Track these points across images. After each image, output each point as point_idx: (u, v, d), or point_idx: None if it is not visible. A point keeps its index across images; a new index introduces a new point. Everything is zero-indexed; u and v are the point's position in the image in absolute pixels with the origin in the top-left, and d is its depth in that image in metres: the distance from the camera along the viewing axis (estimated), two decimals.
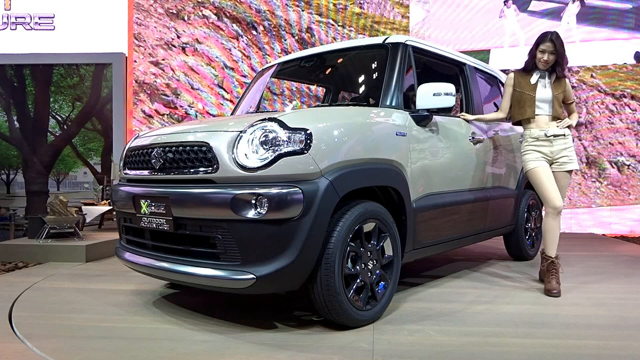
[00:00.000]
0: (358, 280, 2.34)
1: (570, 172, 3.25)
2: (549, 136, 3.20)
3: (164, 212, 2.31)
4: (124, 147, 2.91)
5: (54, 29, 7.32)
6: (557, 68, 3.21)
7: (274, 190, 2.05)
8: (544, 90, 3.23)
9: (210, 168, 2.19)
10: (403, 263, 2.66)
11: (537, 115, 3.24)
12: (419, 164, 2.76)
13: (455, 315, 2.56)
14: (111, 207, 5.17)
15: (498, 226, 3.73)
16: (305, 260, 2.11)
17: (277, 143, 2.10)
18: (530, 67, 3.26)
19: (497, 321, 2.46)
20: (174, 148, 2.35)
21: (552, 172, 3.24)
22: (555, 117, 3.24)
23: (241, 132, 2.16)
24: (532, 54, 3.24)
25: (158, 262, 2.40)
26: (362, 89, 3.51)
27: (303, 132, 2.14)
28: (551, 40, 3.15)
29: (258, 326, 2.37)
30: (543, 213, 4.35)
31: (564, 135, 3.21)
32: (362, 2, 6.93)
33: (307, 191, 2.09)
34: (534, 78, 3.25)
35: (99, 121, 9.15)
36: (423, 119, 2.81)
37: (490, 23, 6.81)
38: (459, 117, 3.35)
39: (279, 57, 6.30)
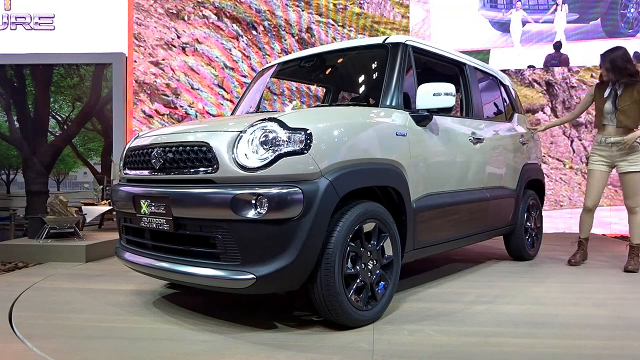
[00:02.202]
0: (358, 280, 2.34)
1: (632, 173, 3.69)
2: (607, 143, 3.75)
3: (164, 212, 2.31)
4: (124, 147, 2.92)
5: (54, 29, 7.31)
6: (623, 78, 3.63)
7: (274, 190, 2.05)
8: (609, 103, 3.71)
9: (210, 168, 2.19)
10: (403, 263, 2.67)
11: (604, 124, 3.78)
12: (419, 164, 2.76)
13: (455, 315, 2.56)
14: (111, 207, 5.17)
15: (498, 226, 3.73)
16: (305, 260, 2.11)
17: (277, 143, 2.10)
18: (604, 79, 3.74)
19: (497, 321, 2.46)
20: (174, 148, 2.35)
21: (619, 174, 3.79)
22: (626, 127, 3.65)
23: (241, 132, 2.16)
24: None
25: (158, 262, 2.40)
26: (362, 89, 3.51)
27: (303, 132, 2.14)
28: (601, 57, 3.71)
29: (258, 326, 2.37)
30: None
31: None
32: (362, 2, 6.93)
33: (307, 191, 2.09)
34: (607, 92, 3.74)
35: (99, 121, 9.15)
36: (423, 119, 2.81)
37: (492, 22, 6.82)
38: (533, 129, 4.05)
39: (279, 57, 6.29)
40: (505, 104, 4.19)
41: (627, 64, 3.63)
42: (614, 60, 3.64)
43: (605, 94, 3.73)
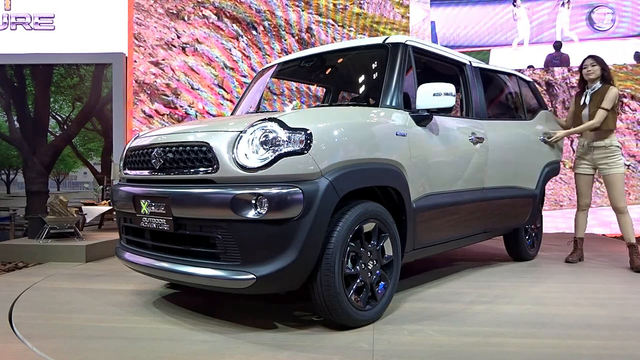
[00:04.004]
0: (358, 280, 2.34)
1: (612, 175, 3.82)
2: (589, 147, 3.92)
3: (164, 212, 2.31)
4: (124, 147, 2.91)
5: (54, 29, 7.31)
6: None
7: (274, 190, 2.05)
8: (586, 109, 3.91)
9: (210, 168, 2.19)
10: (403, 263, 2.67)
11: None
12: (419, 164, 2.76)
13: (455, 315, 2.56)
14: (111, 207, 5.17)
15: (511, 225, 3.70)
16: (305, 260, 2.11)
17: (277, 143, 2.10)
18: (591, 77, 3.91)
19: (497, 321, 2.46)
20: (174, 148, 2.35)
21: (602, 176, 3.93)
22: (600, 130, 3.83)
23: (241, 132, 2.16)
24: (580, 73, 4.00)
25: (158, 262, 2.40)
26: (362, 89, 3.51)
27: (303, 132, 2.14)
28: (592, 57, 3.93)
29: (258, 326, 2.37)
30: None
31: (604, 146, 3.84)
32: (362, 2, 6.92)
33: (307, 191, 2.09)
34: (583, 99, 3.96)
35: (99, 121, 9.14)
36: (423, 119, 2.81)
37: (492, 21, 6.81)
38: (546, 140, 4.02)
39: (279, 57, 6.29)
40: (522, 102, 4.13)
41: (608, 69, 3.94)
42: (603, 63, 3.90)
43: (582, 101, 3.96)
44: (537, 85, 6.25)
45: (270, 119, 2.17)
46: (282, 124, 2.14)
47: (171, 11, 7.07)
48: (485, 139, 3.43)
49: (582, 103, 3.96)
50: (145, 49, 7.06)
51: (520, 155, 3.79)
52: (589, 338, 2.23)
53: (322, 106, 3.64)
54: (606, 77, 3.88)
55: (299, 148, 2.11)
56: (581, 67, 3.99)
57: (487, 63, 5.58)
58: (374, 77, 3.18)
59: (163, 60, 7.06)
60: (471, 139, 3.29)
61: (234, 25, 7.00)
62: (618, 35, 6.54)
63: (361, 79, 3.56)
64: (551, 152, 4.13)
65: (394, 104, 2.73)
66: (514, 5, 6.74)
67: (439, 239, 3.02)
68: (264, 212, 2.04)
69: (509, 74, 4.14)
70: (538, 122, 4.15)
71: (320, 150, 2.16)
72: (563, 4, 6.66)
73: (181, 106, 7.03)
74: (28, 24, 7.33)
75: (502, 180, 3.60)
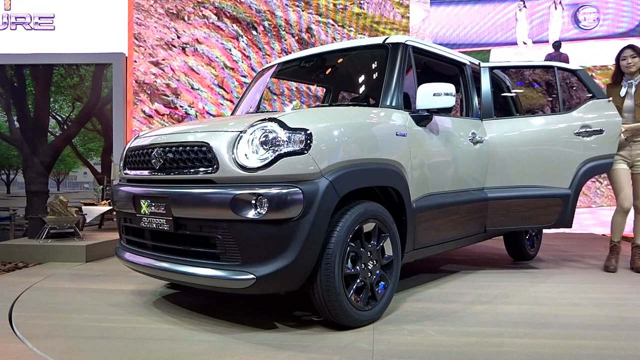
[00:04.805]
0: (358, 281, 2.34)
1: None
2: (628, 141, 3.70)
3: (164, 212, 2.31)
4: (124, 147, 2.91)
5: (54, 29, 7.31)
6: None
7: (274, 191, 2.05)
8: (628, 100, 3.73)
9: (210, 168, 2.19)
10: (403, 263, 2.67)
11: (623, 123, 3.66)
12: (419, 164, 2.76)
13: (455, 315, 2.56)
14: (111, 207, 5.17)
15: (514, 227, 3.60)
16: (305, 260, 2.11)
17: (277, 143, 2.10)
18: (618, 78, 3.79)
19: (497, 321, 2.46)
20: (174, 148, 2.35)
21: (632, 174, 3.71)
22: None
23: (241, 132, 2.16)
24: (617, 64, 3.81)
25: (158, 262, 2.40)
26: (362, 89, 3.51)
27: (303, 132, 2.14)
28: (631, 47, 3.75)
29: (258, 326, 2.37)
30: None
31: None
32: (362, 2, 6.92)
33: (307, 191, 2.09)
34: (623, 90, 3.77)
35: (99, 121, 9.15)
36: (423, 119, 2.81)
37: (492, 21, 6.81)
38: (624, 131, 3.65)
39: (279, 57, 6.29)
40: (558, 94, 3.83)
41: None
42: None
43: (622, 93, 3.75)
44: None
45: (270, 119, 2.17)
46: (282, 124, 2.14)
47: (171, 11, 7.07)
48: (485, 138, 3.43)
49: (622, 94, 3.72)
50: (145, 49, 7.06)
51: (541, 153, 3.51)
52: (589, 338, 2.23)
53: (322, 106, 3.64)
54: None
55: (299, 148, 2.11)
56: (619, 58, 3.77)
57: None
58: (374, 77, 3.18)
59: (163, 60, 7.06)
60: (471, 139, 3.29)
61: (234, 25, 7.00)
62: (618, 34, 6.55)
63: (361, 79, 3.56)
64: (596, 146, 3.56)
65: (394, 104, 2.73)
66: (523, 7, 6.74)
67: (439, 239, 3.02)
68: (264, 212, 2.04)
69: (544, 67, 4.03)
70: (579, 114, 3.63)
71: (320, 150, 2.16)
72: (556, 6, 6.68)
73: (181, 106, 7.03)
74: (28, 24, 7.33)
75: (510, 179, 3.47)
